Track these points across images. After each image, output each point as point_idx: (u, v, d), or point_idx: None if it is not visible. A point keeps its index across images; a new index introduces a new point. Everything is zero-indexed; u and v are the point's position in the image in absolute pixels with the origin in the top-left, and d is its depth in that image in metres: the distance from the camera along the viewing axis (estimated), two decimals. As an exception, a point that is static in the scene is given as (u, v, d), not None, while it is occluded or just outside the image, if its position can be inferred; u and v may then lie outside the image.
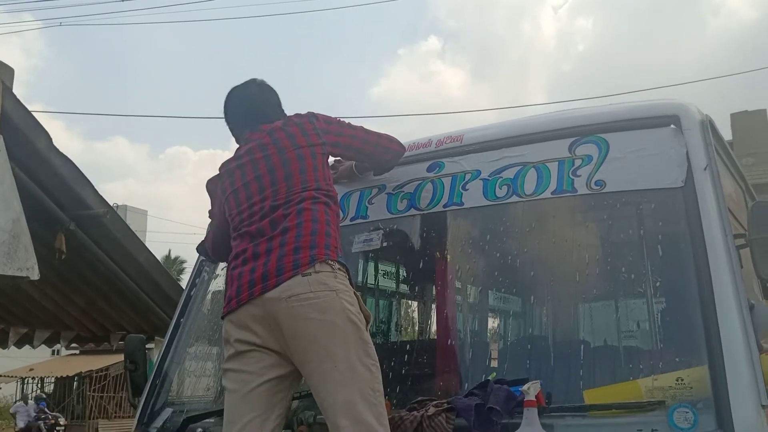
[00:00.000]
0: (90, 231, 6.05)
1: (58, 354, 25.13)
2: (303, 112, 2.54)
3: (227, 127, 2.68)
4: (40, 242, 5.25)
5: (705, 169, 2.32)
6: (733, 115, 19.35)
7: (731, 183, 2.87)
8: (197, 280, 3.25)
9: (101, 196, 5.99)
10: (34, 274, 4.71)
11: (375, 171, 2.92)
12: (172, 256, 34.92)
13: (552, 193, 2.53)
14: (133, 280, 6.86)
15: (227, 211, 2.51)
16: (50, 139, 5.34)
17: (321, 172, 2.40)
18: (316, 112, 2.54)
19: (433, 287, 2.99)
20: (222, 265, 3.28)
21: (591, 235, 2.58)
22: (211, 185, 2.69)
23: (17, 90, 4.99)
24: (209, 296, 3.29)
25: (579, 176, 2.50)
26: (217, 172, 2.61)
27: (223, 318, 2.32)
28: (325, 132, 2.48)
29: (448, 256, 2.85)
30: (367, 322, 2.21)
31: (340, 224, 2.84)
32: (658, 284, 2.30)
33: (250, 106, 2.60)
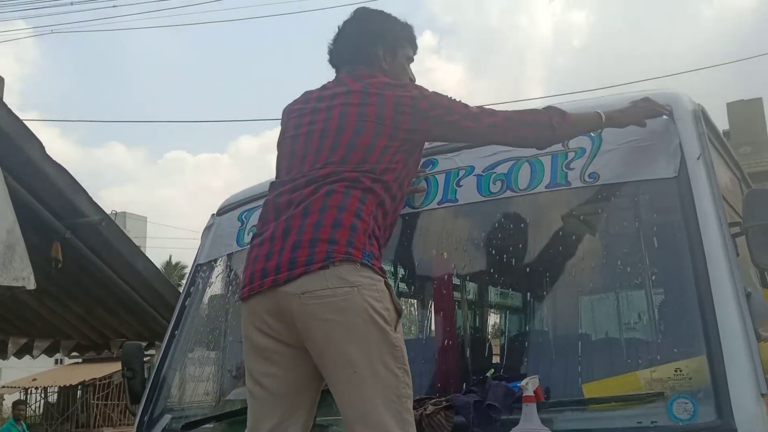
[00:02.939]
0: (86, 239, 6.05)
1: (61, 363, 25.11)
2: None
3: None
4: (36, 252, 5.24)
5: (698, 158, 2.31)
6: (729, 105, 19.34)
7: (726, 172, 2.85)
8: (191, 290, 3.23)
9: (96, 204, 6.00)
10: (30, 284, 4.70)
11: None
12: (173, 261, 34.94)
13: (546, 187, 2.51)
14: (131, 286, 6.87)
15: (278, 155, 2.28)
16: (43, 148, 5.34)
17: (388, 156, 2.10)
18: (424, 89, 2.23)
19: (430, 285, 2.98)
20: (216, 272, 3.27)
21: (586, 228, 2.57)
22: (285, 113, 2.38)
23: (11, 99, 5.02)
24: (205, 305, 3.27)
25: (572, 169, 2.48)
26: (298, 98, 2.36)
27: (237, 300, 2.15)
28: (423, 117, 2.15)
29: (444, 253, 2.83)
30: (398, 317, 2.00)
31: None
32: (654, 276, 2.29)
33: (348, 44, 2.37)
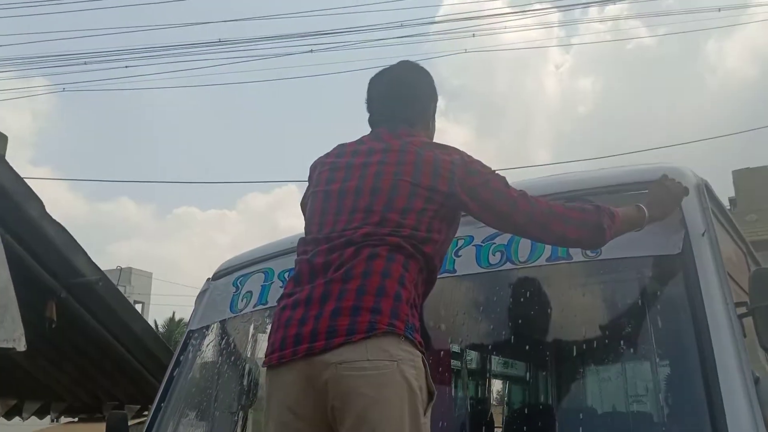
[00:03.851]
0: (82, 299, 5.94)
1: (57, 421, 24.63)
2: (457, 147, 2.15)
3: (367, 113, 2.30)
4: (30, 311, 5.14)
5: (703, 234, 2.25)
6: (735, 172, 19.44)
7: (731, 247, 2.78)
8: (181, 358, 3.14)
9: (94, 263, 5.92)
10: (21, 346, 4.59)
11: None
12: (176, 318, 34.56)
13: (547, 260, 2.44)
14: (127, 349, 6.72)
15: (307, 211, 2.18)
16: (43, 207, 5.29)
17: (426, 221, 1.99)
18: (466, 154, 2.12)
19: (426, 358, 2.88)
20: (208, 340, 3.18)
21: (586, 304, 2.48)
22: (316, 165, 2.27)
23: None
24: (195, 375, 3.17)
25: None
26: (331, 150, 2.25)
27: (264, 366, 2.01)
28: (461, 184, 2.04)
29: (441, 326, 2.74)
30: (430, 400, 1.89)
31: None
32: (657, 357, 2.19)
33: (395, 98, 2.26)
